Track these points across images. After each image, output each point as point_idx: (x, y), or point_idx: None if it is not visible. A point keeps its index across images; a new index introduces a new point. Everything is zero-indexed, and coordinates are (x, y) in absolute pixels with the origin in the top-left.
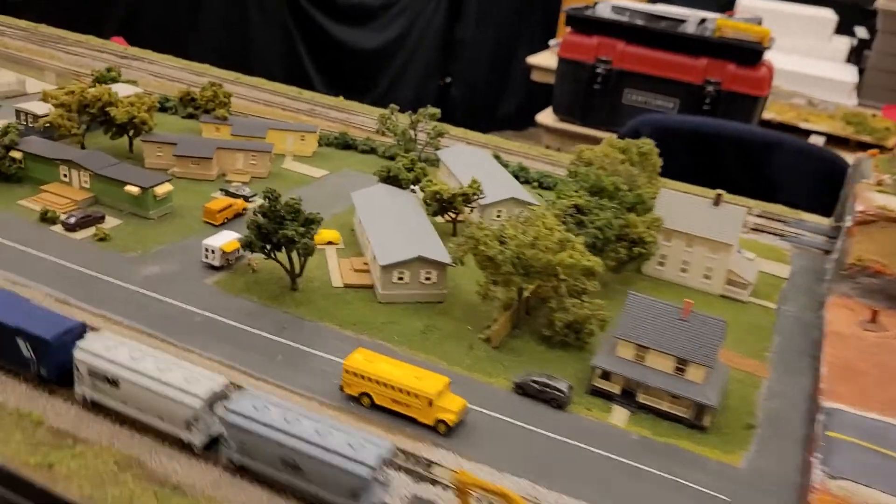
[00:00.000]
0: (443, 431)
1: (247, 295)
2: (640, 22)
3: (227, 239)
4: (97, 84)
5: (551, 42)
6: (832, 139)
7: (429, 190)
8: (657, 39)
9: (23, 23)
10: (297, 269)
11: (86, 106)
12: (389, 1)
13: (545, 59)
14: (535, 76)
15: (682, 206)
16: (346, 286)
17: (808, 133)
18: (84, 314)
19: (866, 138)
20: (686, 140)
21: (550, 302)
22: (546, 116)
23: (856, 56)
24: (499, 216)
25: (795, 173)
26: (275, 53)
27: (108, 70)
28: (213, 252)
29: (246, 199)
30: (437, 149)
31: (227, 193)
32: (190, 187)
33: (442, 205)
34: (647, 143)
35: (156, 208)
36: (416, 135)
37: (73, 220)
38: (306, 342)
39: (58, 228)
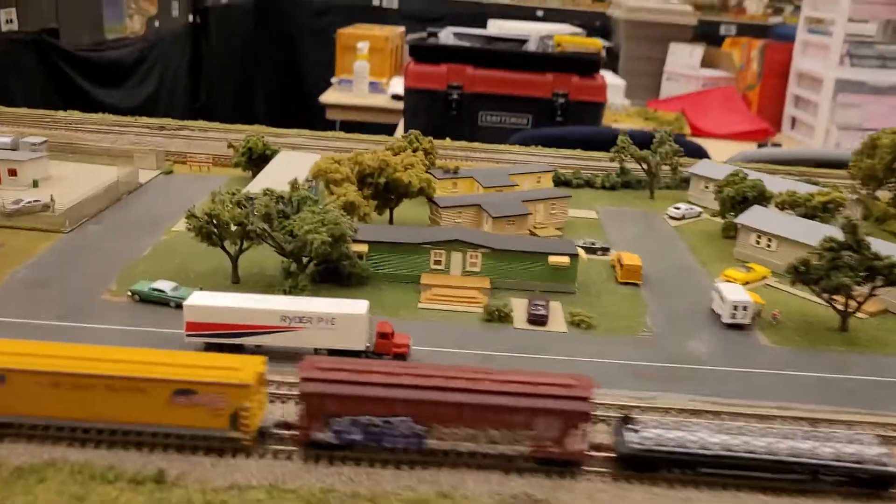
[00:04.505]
0: None
1: (823, 346)
2: (484, 45)
3: (745, 293)
4: (246, 159)
5: (334, 80)
6: None
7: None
8: (503, 60)
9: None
10: (850, 309)
11: (366, 177)
12: (141, 55)
13: (335, 97)
14: (331, 114)
15: None
16: (871, 314)
17: None
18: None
19: (667, 128)
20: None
21: None
22: None
23: (610, 62)
24: None
25: None
26: None
27: (252, 139)
28: (744, 309)
29: (604, 251)
30: (675, 169)
31: (586, 250)
32: None
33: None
34: None
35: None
36: (657, 157)
37: (541, 310)
38: None
39: (520, 324)
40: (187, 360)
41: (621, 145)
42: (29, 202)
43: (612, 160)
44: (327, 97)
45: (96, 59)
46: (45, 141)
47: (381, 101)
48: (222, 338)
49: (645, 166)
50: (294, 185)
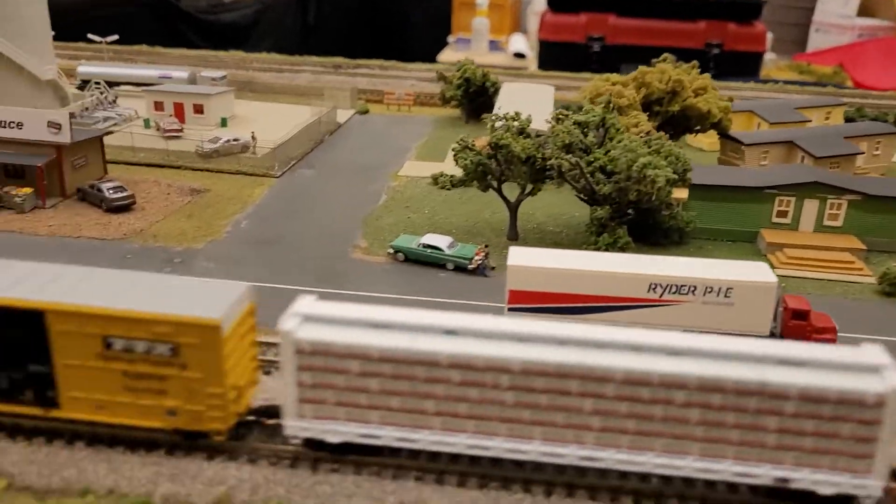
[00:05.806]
0: None
1: None
2: None
3: None
4: (462, 93)
5: (450, 39)
6: None
7: None
8: (650, 8)
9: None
10: None
11: (653, 103)
12: (255, 18)
13: (452, 57)
14: None
15: None
16: None
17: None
18: None
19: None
20: None
21: None
22: None
23: None
24: None
25: None
26: None
27: (468, 67)
28: None
29: None
30: None
31: None
32: None
33: None
34: None
35: None
36: None
37: None
38: None
39: None
40: None
41: None
42: (228, 141)
43: None
44: (445, 57)
45: (214, 20)
46: (226, 76)
47: (501, 59)
48: (557, 313)
49: None
50: (607, 105)
